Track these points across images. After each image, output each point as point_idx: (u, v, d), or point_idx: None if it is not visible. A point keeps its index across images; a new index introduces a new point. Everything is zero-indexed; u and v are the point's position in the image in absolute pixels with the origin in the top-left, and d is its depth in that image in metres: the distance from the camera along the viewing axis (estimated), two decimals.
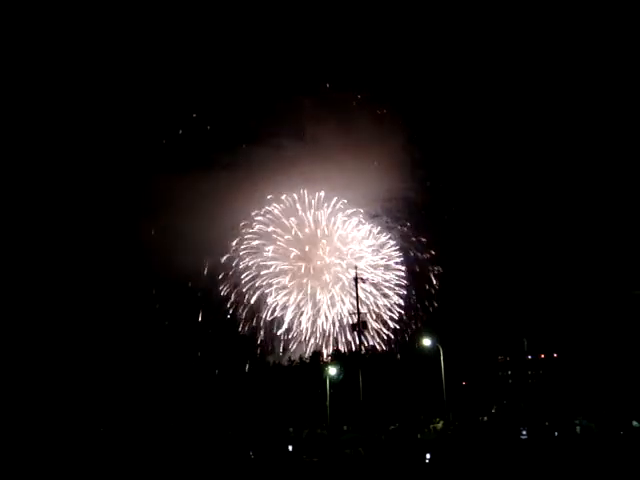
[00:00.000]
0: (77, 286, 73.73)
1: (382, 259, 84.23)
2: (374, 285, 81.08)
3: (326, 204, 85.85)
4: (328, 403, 42.18)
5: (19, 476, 22.19)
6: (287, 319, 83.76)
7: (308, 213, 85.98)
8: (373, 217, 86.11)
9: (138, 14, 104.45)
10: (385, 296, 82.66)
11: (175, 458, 24.96)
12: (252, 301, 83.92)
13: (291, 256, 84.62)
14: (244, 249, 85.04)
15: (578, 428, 26.57)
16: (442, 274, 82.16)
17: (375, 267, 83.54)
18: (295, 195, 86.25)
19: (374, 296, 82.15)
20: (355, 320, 42.75)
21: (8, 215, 71.88)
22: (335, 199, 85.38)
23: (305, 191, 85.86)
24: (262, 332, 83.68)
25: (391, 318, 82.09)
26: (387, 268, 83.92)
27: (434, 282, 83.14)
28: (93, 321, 69.49)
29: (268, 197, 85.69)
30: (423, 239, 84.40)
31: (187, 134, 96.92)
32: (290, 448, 26.88)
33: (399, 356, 73.51)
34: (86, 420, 47.95)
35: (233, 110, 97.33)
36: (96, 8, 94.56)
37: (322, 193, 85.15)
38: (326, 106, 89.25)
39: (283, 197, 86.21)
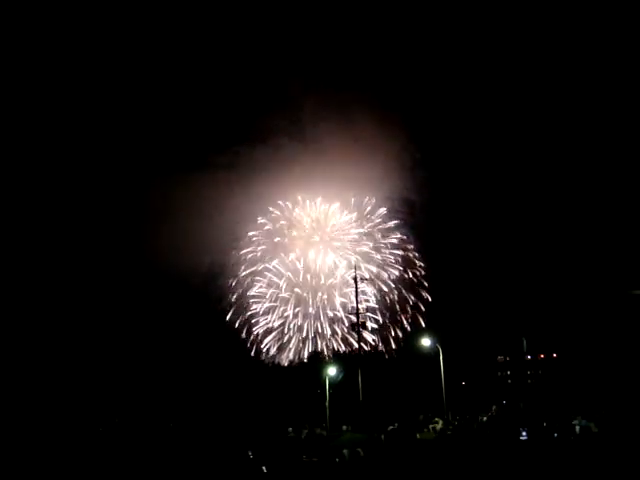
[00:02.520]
0: (74, 285, 73.79)
1: (383, 262, 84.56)
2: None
3: (327, 204, 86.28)
4: (327, 403, 42.19)
5: (19, 476, 22.18)
6: (284, 320, 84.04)
7: (306, 217, 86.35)
8: (372, 217, 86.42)
9: (137, 15, 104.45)
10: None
11: (174, 458, 24.95)
12: (249, 309, 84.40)
13: (288, 260, 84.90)
14: (242, 261, 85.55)
15: (577, 428, 26.57)
16: (442, 274, 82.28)
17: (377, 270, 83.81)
18: (291, 200, 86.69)
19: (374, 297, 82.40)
20: (355, 319, 42.84)
21: (10, 218, 71.96)
22: (338, 204, 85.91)
23: (303, 195, 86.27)
24: (258, 333, 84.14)
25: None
26: (386, 271, 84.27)
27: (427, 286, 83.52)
28: (91, 321, 69.52)
29: (269, 208, 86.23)
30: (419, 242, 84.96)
31: (186, 135, 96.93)
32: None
33: (398, 356, 73.58)
34: (85, 420, 47.92)
35: (233, 110, 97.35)
36: (91, 9, 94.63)
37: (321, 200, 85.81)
38: (326, 105, 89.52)
39: (281, 202, 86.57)
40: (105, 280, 77.23)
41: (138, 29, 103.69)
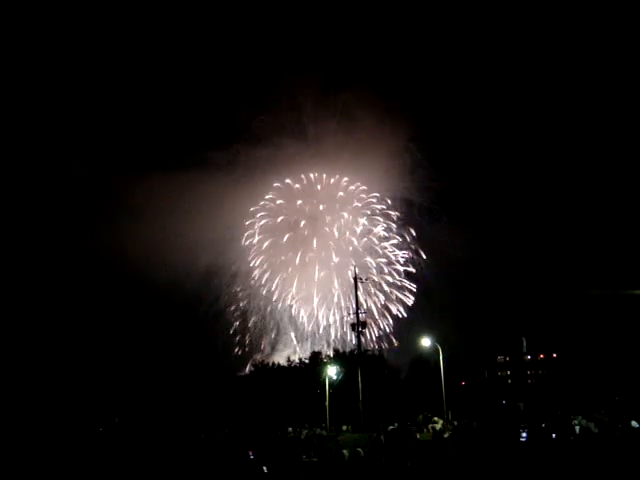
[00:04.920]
0: (73, 286, 73.77)
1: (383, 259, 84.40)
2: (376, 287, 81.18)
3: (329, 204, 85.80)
4: (327, 403, 42.15)
5: (19, 476, 22.18)
6: (285, 320, 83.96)
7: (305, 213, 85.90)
8: (372, 216, 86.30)
9: (140, 15, 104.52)
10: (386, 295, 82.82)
11: (174, 458, 24.95)
12: (252, 319, 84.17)
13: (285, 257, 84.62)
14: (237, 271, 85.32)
15: (577, 428, 26.54)
16: (442, 273, 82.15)
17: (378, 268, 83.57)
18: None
19: (376, 296, 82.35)
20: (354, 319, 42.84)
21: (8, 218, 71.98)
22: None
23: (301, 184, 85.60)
24: (251, 333, 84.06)
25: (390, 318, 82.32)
26: (388, 268, 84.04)
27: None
28: (92, 324, 69.53)
29: (261, 203, 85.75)
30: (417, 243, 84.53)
31: (185, 133, 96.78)
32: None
33: (398, 356, 73.60)
34: (85, 420, 47.92)
35: (233, 109, 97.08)
36: (88, 6, 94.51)
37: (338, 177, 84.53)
38: (327, 105, 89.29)
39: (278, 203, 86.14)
40: (104, 280, 77.24)
41: (141, 29, 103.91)
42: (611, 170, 79.64)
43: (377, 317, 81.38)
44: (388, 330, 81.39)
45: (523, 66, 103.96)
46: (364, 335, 71.33)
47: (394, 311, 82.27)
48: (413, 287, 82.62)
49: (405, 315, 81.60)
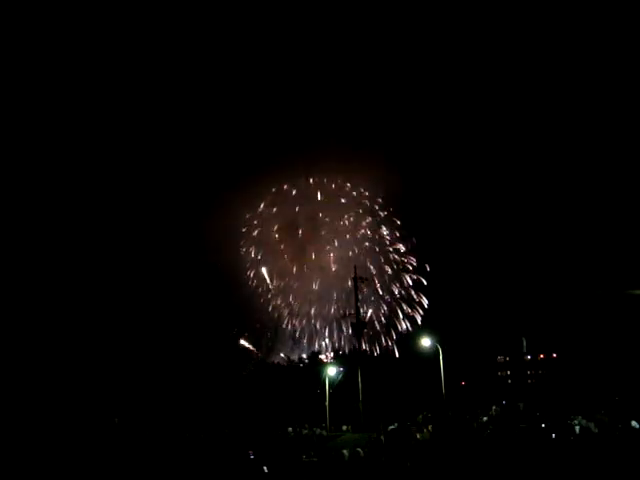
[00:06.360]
0: (76, 284, 73.84)
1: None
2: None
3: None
4: (327, 403, 42.18)
5: (19, 476, 22.18)
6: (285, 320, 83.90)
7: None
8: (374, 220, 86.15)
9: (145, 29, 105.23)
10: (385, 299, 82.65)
11: (174, 458, 24.96)
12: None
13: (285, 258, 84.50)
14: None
15: (577, 428, 26.53)
16: (442, 273, 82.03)
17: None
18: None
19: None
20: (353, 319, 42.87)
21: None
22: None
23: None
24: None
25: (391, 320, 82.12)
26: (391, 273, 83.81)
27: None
28: (91, 321, 69.51)
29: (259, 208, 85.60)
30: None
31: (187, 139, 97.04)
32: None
33: (398, 356, 73.56)
34: (84, 418, 47.89)
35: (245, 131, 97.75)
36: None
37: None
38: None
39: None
40: (104, 279, 77.27)
41: (159, 45, 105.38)
42: (611, 169, 79.67)
43: (378, 327, 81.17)
44: (391, 343, 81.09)
45: (525, 55, 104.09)
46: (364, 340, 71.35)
47: (399, 325, 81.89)
48: (424, 300, 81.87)
49: (411, 329, 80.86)
